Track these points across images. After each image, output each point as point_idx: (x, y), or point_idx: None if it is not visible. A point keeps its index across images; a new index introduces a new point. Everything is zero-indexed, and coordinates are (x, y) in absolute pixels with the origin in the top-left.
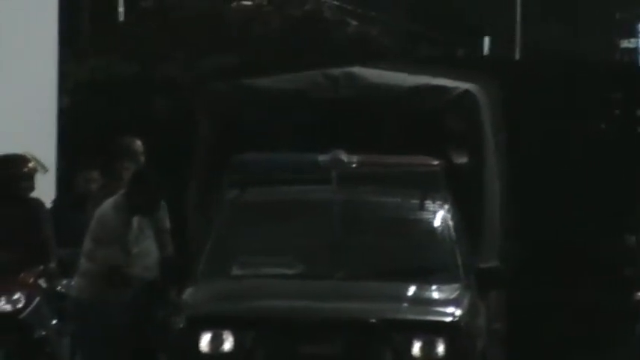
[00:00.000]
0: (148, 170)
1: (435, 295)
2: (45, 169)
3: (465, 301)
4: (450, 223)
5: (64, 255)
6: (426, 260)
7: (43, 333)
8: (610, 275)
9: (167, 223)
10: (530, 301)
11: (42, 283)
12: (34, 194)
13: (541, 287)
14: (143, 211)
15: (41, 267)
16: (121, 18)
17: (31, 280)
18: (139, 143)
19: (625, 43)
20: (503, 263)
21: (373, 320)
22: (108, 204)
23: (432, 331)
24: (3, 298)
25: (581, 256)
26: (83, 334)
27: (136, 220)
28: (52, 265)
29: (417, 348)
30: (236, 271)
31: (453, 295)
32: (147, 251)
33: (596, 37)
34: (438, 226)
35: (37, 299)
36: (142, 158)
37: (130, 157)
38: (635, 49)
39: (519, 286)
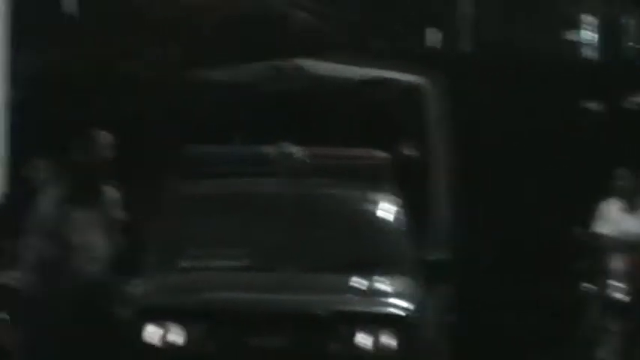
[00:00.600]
0: (90, 160)
1: (383, 287)
2: None
3: (414, 294)
4: (399, 215)
5: (12, 246)
6: (374, 252)
7: None
8: (560, 268)
9: (120, 215)
10: (478, 293)
11: None
12: None
13: (489, 279)
14: (83, 201)
15: None
16: (76, 11)
17: None
18: (107, 136)
19: (571, 36)
20: (452, 256)
21: (321, 312)
22: (48, 195)
23: (379, 323)
24: None
25: (531, 249)
26: (26, 327)
27: (80, 212)
28: None
29: (364, 340)
30: (184, 263)
31: (402, 288)
32: (91, 243)
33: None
34: (387, 219)
35: None
36: (110, 151)
37: (98, 150)
38: (581, 43)
39: (469, 279)
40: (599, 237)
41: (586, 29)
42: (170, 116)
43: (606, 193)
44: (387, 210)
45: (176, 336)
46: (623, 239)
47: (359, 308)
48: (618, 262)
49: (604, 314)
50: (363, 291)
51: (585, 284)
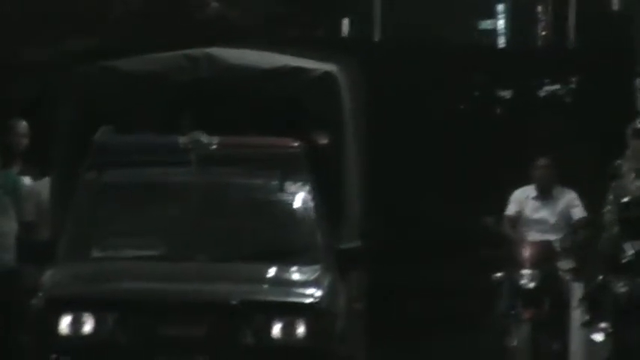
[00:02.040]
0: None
1: (296, 276)
2: None
3: (326, 282)
4: (311, 204)
5: None
6: (287, 241)
7: None
8: (469, 255)
9: (39, 204)
10: (390, 281)
11: None
12: None
13: (402, 267)
14: None
15: None
16: None
17: None
18: (23, 124)
19: (484, 25)
20: (364, 243)
21: (234, 302)
22: None
23: (292, 312)
24: None
25: (440, 237)
26: None
27: None
28: None
29: (277, 329)
30: (96, 253)
31: (314, 276)
32: (4, 231)
33: (455, 17)
34: (299, 208)
35: None
36: (26, 140)
37: (15, 138)
38: (493, 30)
39: (380, 266)
40: (507, 224)
41: (499, 17)
42: (82, 106)
43: (520, 180)
44: (299, 199)
45: (87, 325)
46: (533, 225)
47: (272, 297)
48: (527, 249)
49: (513, 301)
50: (276, 280)
51: (495, 272)
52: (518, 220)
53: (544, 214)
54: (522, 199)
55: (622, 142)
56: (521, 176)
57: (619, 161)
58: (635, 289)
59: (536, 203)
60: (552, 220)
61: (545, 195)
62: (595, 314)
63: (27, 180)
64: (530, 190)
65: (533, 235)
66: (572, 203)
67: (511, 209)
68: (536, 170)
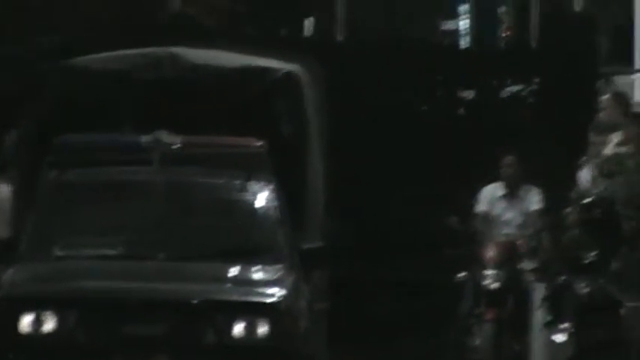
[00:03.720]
0: None
1: (259, 275)
2: None
3: (288, 282)
4: (274, 203)
5: None
6: (250, 241)
7: None
8: (434, 255)
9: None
10: (354, 281)
11: None
12: None
13: (365, 267)
14: None
15: None
16: None
17: None
18: None
19: (447, 25)
20: (328, 243)
21: (196, 301)
22: None
23: (254, 311)
24: None
25: (405, 236)
26: None
27: None
28: None
29: (239, 329)
30: (58, 251)
31: (276, 276)
32: None
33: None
34: (262, 207)
35: None
36: None
37: None
38: (456, 31)
39: (343, 266)
40: (479, 222)
41: (461, 18)
42: (46, 104)
43: (483, 179)
44: (262, 198)
45: (48, 324)
46: (501, 225)
47: (233, 297)
48: (491, 249)
49: (477, 301)
50: (238, 279)
51: (459, 272)
52: (487, 218)
53: (511, 214)
54: (490, 198)
55: (584, 141)
56: (485, 176)
57: (583, 159)
58: (596, 290)
59: (504, 203)
60: (519, 220)
61: (512, 194)
62: (557, 315)
63: None
64: (498, 188)
65: (500, 235)
66: (533, 199)
67: (481, 207)
68: (502, 168)
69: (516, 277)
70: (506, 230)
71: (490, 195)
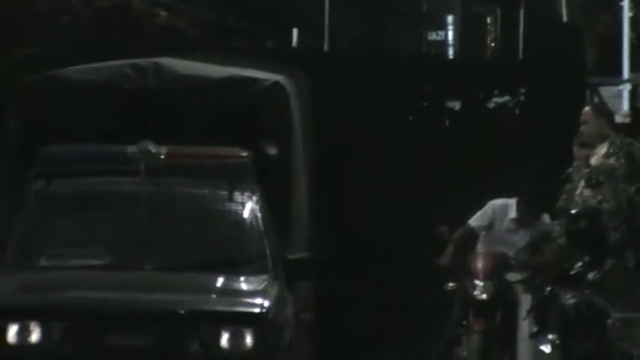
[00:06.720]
0: None
1: (244, 286)
2: None
3: (273, 292)
4: (259, 214)
5: None
6: (235, 251)
7: None
8: (417, 269)
9: None
10: (337, 292)
11: None
12: None
13: (349, 279)
14: None
15: None
16: None
17: None
18: None
19: (433, 36)
20: (312, 254)
21: (181, 311)
22: None
23: (239, 322)
24: None
25: (388, 249)
26: None
27: None
28: None
29: (224, 339)
30: (43, 262)
31: (261, 287)
32: None
33: (404, 29)
34: (247, 218)
35: None
36: None
37: None
38: (443, 42)
39: (327, 277)
40: (460, 232)
41: (448, 29)
42: (28, 115)
43: (470, 190)
44: (247, 208)
45: (33, 335)
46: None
47: (219, 307)
48: (480, 260)
49: (465, 312)
50: (223, 290)
51: (448, 283)
52: (478, 228)
53: (517, 239)
54: (501, 215)
55: (571, 153)
56: (472, 186)
57: (569, 170)
58: (582, 301)
59: (514, 225)
60: (522, 244)
61: (525, 224)
62: (543, 326)
63: None
64: (511, 207)
65: (495, 248)
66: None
67: (482, 220)
68: (521, 207)
69: (505, 289)
70: (504, 248)
71: (502, 212)
